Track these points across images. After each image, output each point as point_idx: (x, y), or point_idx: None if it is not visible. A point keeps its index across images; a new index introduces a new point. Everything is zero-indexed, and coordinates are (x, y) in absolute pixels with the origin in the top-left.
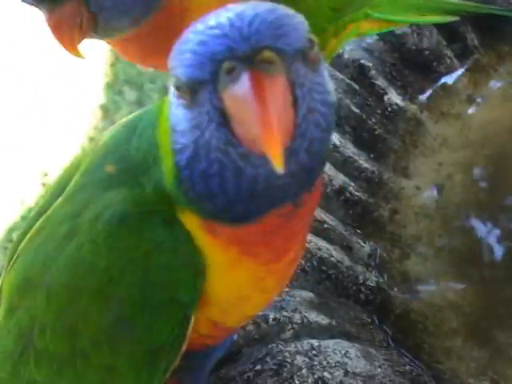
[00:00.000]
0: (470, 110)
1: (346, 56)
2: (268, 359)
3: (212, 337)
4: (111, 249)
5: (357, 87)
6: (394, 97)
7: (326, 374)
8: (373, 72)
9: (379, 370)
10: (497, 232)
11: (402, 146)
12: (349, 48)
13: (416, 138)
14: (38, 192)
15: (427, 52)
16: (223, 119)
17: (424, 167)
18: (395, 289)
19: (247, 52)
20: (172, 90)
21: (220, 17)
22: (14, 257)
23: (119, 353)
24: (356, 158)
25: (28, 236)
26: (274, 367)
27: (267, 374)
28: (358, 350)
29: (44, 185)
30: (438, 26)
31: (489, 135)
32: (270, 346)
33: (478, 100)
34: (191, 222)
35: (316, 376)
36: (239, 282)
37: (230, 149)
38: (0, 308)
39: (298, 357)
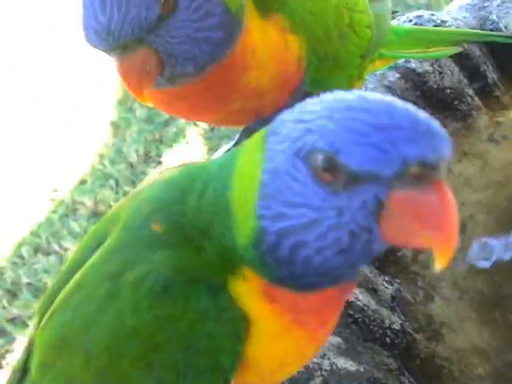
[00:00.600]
0: (492, 150)
1: None
2: None
3: None
4: (154, 316)
5: None
6: None
7: None
8: None
9: None
10: None
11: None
12: (371, 86)
13: None
14: (48, 208)
15: (448, 90)
16: (376, 211)
17: None
18: (420, 332)
19: (435, 162)
20: (298, 162)
21: (398, 116)
22: (49, 312)
23: None
24: None
25: (64, 292)
26: None
27: None
28: None
29: (53, 200)
30: (460, 64)
31: (510, 175)
32: None
33: (500, 139)
34: (245, 285)
35: None
36: (283, 348)
37: (365, 236)
38: (32, 361)
39: None
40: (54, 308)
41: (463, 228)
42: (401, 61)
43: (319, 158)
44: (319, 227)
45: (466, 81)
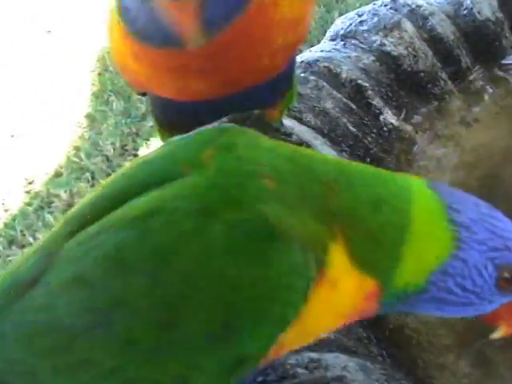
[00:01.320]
0: (464, 132)
1: (343, 75)
2: (270, 371)
3: (271, 358)
4: (244, 260)
5: (354, 106)
6: (389, 117)
7: None
8: (369, 92)
9: (377, 383)
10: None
11: (397, 166)
12: (346, 68)
13: (411, 157)
14: (22, 200)
15: (422, 74)
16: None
17: None
18: None
19: None
20: (489, 266)
21: None
22: (94, 227)
23: (212, 354)
24: None
25: (123, 213)
26: (276, 379)
27: None
28: (356, 364)
29: (28, 192)
30: (434, 48)
31: (481, 157)
32: None
33: (472, 122)
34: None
35: None
36: (331, 321)
37: (485, 311)
38: (52, 273)
39: (298, 369)
40: (104, 224)
41: None
42: (376, 44)
43: (510, 272)
44: (468, 306)
45: (439, 65)
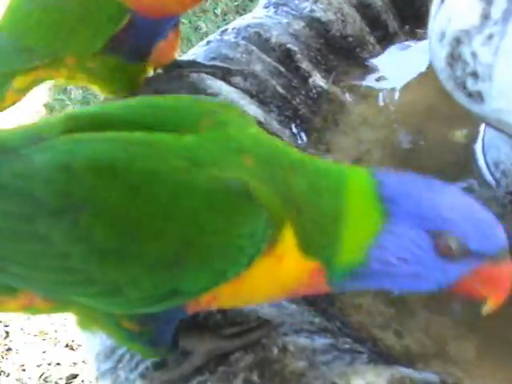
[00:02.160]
0: (390, 92)
1: (273, 40)
2: None
3: (198, 307)
4: (215, 211)
5: (283, 70)
6: (318, 80)
7: (238, 319)
8: (298, 56)
9: (288, 317)
10: None
11: (324, 125)
12: (276, 33)
13: (338, 117)
14: None
15: (351, 38)
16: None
17: (344, 144)
18: None
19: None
20: (424, 236)
21: (491, 217)
22: (94, 135)
23: (152, 275)
24: (280, 134)
25: (126, 135)
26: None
27: (183, 321)
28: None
29: None
30: (362, 13)
31: (406, 115)
32: None
33: (398, 82)
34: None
35: (229, 321)
36: (273, 288)
37: (444, 286)
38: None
39: None
40: (105, 137)
41: (359, 162)
42: (306, 10)
43: (449, 240)
44: (417, 278)
45: (367, 29)
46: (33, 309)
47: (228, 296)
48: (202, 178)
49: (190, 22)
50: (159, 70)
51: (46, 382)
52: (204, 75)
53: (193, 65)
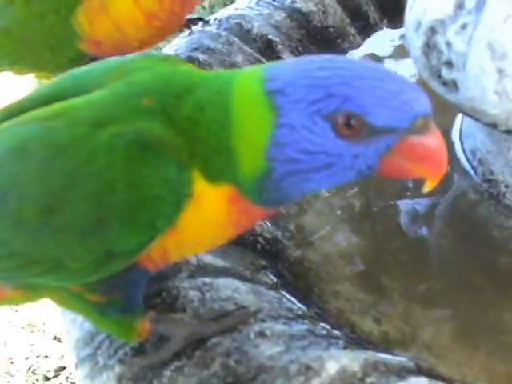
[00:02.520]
0: None
1: (254, 31)
2: (164, 294)
3: (154, 263)
4: (120, 167)
5: (264, 60)
6: None
7: (216, 305)
8: (280, 47)
9: (266, 304)
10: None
11: None
12: (257, 24)
13: None
14: None
15: (332, 29)
16: (384, 155)
17: None
18: (291, 240)
19: (430, 114)
20: (318, 120)
21: (399, 81)
22: (17, 119)
23: (84, 243)
24: None
25: (39, 112)
26: (169, 301)
27: (162, 307)
28: (248, 288)
29: None
30: (343, 4)
31: None
32: (166, 283)
33: None
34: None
35: (207, 307)
36: (210, 232)
37: (367, 173)
38: None
39: (191, 292)
40: (21, 120)
41: None
42: (287, 1)
43: (345, 118)
44: (331, 169)
45: (348, 20)
46: (10, 300)
47: (175, 248)
48: (103, 139)
49: None
50: None
51: (35, 374)
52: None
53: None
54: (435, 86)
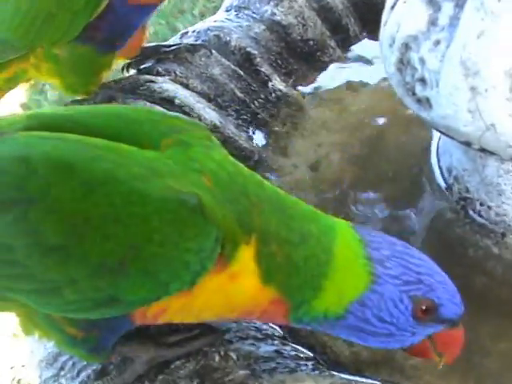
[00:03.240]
0: (350, 96)
1: (232, 43)
2: None
3: (144, 319)
4: (166, 221)
5: (242, 73)
6: (278, 83)
7: (182, 327)
8: (258, 59)
9: (234, 324)
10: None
11: (282, 128)
12: (236, 36)
13: (297, 121)
14: None
15: (311, 42)
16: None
17: (302, 148)
18: None
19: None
20: (404, 298)
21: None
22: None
23: (91, 279)
24: (236, 138)
25: (91, 140)
26: None
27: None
28: None
29: None
30: (323, 17)
31: (365, 119)
32: None
33: (357, 87)
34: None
35: (173, 328)
36: (229, 306)
37: (409, 343)
38: None
39: None
40: (69, 137)
41: (317, 165)
42: (267, 13)
43: (426, 304)
44: (389, 338)
45: (328, 33)
46: None
47: (177, 311)
48: (157, 186)
49: (167, 22)
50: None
51: None
52: (160, 79)
53: (157, 51)
54: (409, 102)
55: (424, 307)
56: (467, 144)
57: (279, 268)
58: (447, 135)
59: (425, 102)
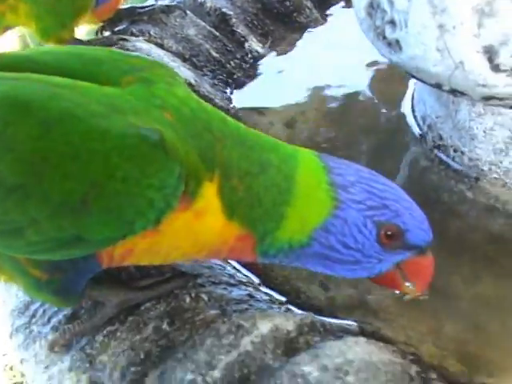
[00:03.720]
0: (326, 54)
1: (208, 4)
2: None
3: (111, 260)
4: (127, 158)
5: (218, 34)
6: (254, 44)
7: (153, 271)
8: (234, 20)
9: (207, 270)
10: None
11: (259, 87)
12: None
13: (274, 80)
14: None
15: (288, 3)
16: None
17: (279, 106)
18: None
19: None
20: (369, 223)
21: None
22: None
23: (55, 218)
24: (212, 96)
25: (50, 78)
26: None
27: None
28: None
29: None
30: None
31: (343, 77)
32: None
33: (334, 44)
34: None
35: (144, 273)
36: (195, 244)
37: (376, 271)
38: None
39: None
40: (27, 76)
41: (293, 123)
42: None
43: (391, 229)
44: (356, 265)
45: None
46: None
47: (144, 251)
48: (118, 123)
49: None
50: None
51: (12, 370)
52: (133, 38)
53: (132, 12)
54: (380, 47)
55: (389, 233)
56: (438, 86)
57: (241, 201)
58: (418, 78)
59: (395, 45)
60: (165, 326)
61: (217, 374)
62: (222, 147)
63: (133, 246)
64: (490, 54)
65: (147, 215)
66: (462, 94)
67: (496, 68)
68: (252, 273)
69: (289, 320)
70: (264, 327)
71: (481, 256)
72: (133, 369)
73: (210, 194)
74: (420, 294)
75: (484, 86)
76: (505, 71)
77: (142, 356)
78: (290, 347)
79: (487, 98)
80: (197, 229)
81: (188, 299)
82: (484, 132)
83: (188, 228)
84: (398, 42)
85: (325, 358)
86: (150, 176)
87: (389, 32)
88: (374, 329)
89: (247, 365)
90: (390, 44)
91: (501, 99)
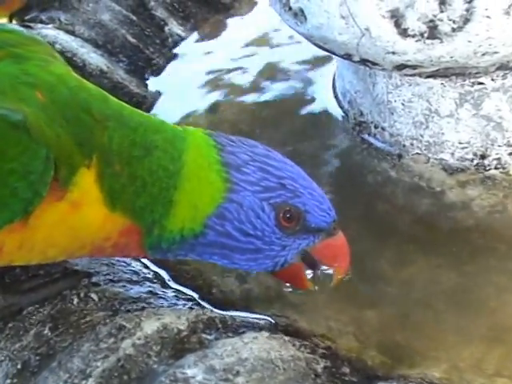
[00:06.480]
0: (251, 35)
1: None
2: None
3: None
4: None
5: (135, 18)
6: (175, 27)
7: (41, 271)
8: (152, 4)
9: (105, 267)
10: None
11: (180, 72)
12: None
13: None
14: None
15: None
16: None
17: (200, 91)
18: None
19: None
20: (266, 206)
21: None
22: None
23: None
24: (126, 83)
25: None
26: None
27: None
28: None
29: None
30: None
31: (269, 58)
32: None
33: (260, 25)
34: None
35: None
36: (75, 240)
37: (282, 264)
38: None
39: None
40: None
41: (216, 108)
42: None
43: (289, 211)
44: (257, 254)
45: None
46: None
47: (16, 249)
48: None
49: None
50: None
51: None
52: (39, 25)
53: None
54: (287, 19)
55: (288, 215)
56: (348, 57)
57: (125, 189)
58: (328, 50)
59: (300, 15)
60: (46, 331)
61: (91, 383)
62: (103, 129)
63: (1, 244)
64: (397, 17)
65: (11, 206)
66: (374, 63)
67: (404, 33)
68: (163, 268)
69: (181, 318)
70: (149, 327)
71: (408, 238)
72: (8, 381)
73: (87, 181)
74: (343, 277)
75: (394, 53)
76: (413, 36)
77: (20, 366)
78: (179, 348)
79: (400, 67)
80: (73, 222)
81: (76, 300)
82: (402, 105)
83: (63, 221)
84: (302, 11)
85: (214, 358)
86: (10, 160)
87: (293, 1)
88: (290, 322)
89: (127, 371)
90: (295, 15)
91: (414, 67)
